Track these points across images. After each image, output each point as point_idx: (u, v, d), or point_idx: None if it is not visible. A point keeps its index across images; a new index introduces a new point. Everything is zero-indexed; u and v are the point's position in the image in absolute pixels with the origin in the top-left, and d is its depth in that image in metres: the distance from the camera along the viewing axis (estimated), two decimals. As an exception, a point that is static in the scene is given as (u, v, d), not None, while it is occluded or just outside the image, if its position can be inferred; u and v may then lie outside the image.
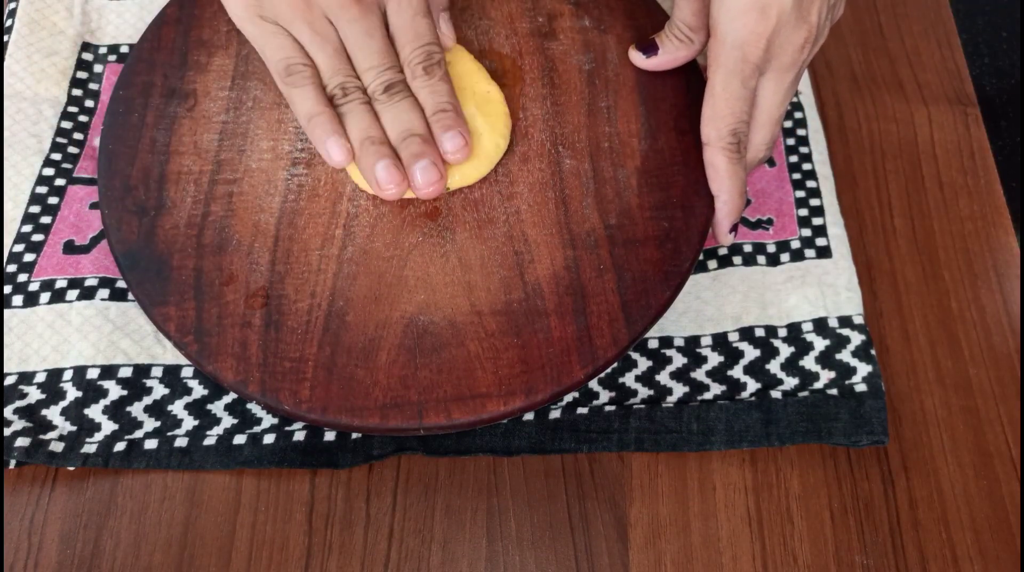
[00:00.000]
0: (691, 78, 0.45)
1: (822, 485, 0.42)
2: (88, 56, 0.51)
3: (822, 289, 0.45)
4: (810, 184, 0.48)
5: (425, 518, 0.41)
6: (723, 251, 0.46)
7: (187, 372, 0.43)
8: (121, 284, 0.44)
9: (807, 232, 0.47)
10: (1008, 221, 0.49)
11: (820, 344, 0.44)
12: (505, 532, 0.40)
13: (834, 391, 0.43)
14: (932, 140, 0.51)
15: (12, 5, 0.52)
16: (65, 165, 0.47)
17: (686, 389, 0.43)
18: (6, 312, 0.43)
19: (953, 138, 0.51)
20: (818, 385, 0.43)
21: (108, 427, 0.41)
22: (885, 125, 0.52)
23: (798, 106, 0.51)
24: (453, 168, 0.41)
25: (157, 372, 0.42)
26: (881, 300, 0.46)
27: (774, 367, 0.44)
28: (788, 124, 0.50)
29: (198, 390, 0.42)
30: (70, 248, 0.45)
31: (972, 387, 0.44)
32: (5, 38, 0.51)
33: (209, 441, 0.41)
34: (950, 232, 0.48)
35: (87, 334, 0.43)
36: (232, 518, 0.40)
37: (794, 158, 0.49)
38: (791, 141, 0.50)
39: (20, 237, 0.45)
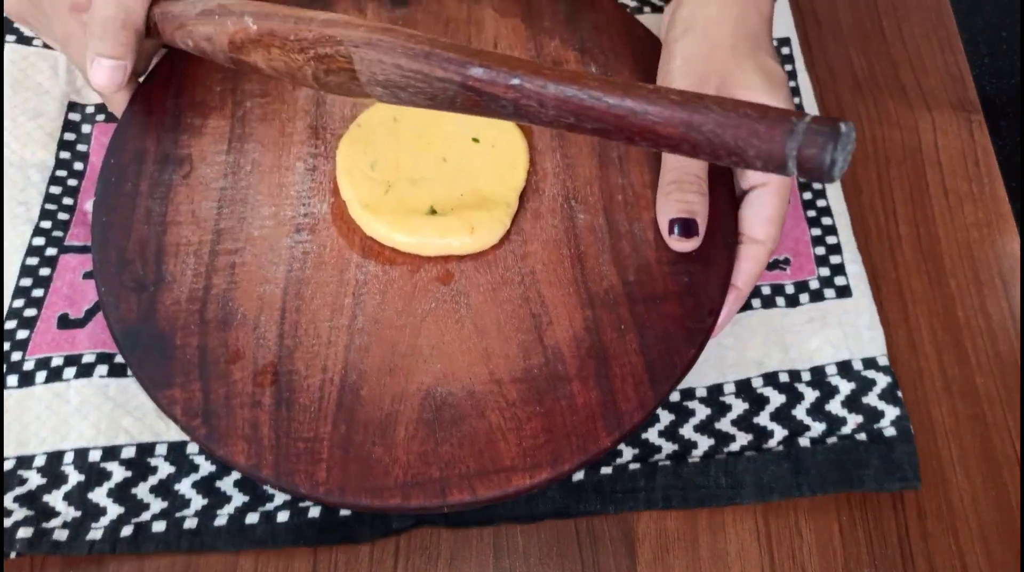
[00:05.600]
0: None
1: (830, 497, 0.41)
2: (75, 116, 0.50)
3: (844, 330, 0.44)
4: (825, 221, 0.47)
5: (431, 535, 0.40)
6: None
7: (193, 448, 0.41)
8: (120, 359, 0.42)
9: (825, 271, 0.46)
10: (1014, 227, 0.48)
11: (845, 388, 0.43)
12: (512, 548, 0.40)
13: (863, 436, 0.42)
14: (936, 146, 0.51)
15: (-7, 65, 0.50)
16: (56, 233, 0.46)
17: (711, 441, 0.42)
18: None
19: (957, 144, 0.51)
20: (846, 430, 0.42)
21: (114, 511, 0.40)
22: (889, 131, 0.51)
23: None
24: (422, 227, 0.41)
25: (162, 449, 0.41)
26: (887, 309, 0.46)
27: (800, 413, 0.43)
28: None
29: (205, 467, 0.41)
30: (64, 322, 0.43)
31: (979, 395, 0.44)
32: (-13, 100, 0.49)
33: (220, 521, 0.40)
34: (955, 239, 0.48)
35: (87, 414, 0.41)
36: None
37: (808, 195, 0.48)
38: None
39: (12, 313, 0.43)
